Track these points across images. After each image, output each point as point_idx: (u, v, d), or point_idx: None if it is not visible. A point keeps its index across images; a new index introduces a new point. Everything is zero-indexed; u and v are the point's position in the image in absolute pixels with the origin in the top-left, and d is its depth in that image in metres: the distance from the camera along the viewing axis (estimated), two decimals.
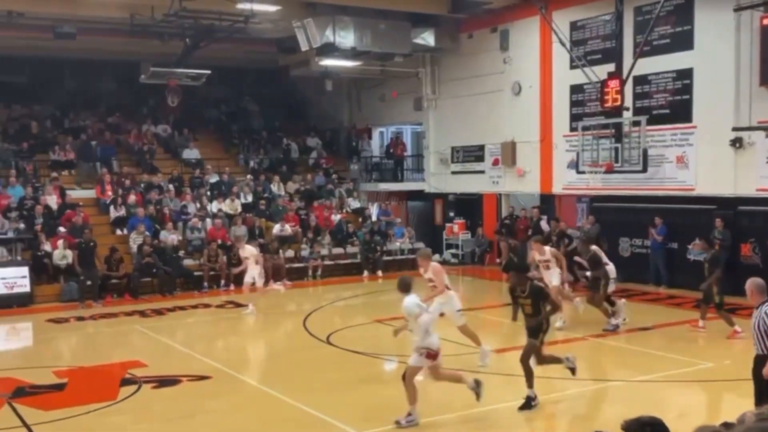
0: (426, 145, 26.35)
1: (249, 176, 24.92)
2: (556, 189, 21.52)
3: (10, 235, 19.32)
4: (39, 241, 19.30)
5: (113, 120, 26.27)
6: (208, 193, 23.41)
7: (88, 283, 18.30)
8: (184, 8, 18.91)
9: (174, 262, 19.93)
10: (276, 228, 22.34)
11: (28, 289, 18.12)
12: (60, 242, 19.05)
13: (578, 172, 19.93)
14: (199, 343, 14.30)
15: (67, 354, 14.13)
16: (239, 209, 22.86)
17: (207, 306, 17.83)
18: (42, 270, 18.78)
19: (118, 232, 21.12)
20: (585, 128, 19.31)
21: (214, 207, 22.69)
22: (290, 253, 21.84)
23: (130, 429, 9.16)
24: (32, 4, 19.45)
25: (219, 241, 20.87)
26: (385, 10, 22.06)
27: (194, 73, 22.44)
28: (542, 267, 14.14)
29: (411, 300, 8.80)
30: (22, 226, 19.74)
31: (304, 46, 21.66)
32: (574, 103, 20.79)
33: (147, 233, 20.30)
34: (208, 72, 22.67)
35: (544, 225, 21.31)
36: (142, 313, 16.83)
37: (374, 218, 24.97)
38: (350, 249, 22.93)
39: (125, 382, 11.01)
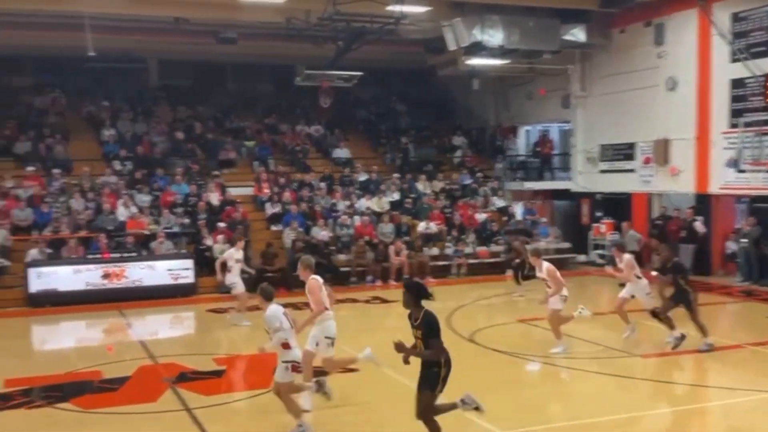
0: (573, 143, 25.84)
1: (396, 175, 25.39)
2: (713, 189, 20.51)
3: (176, 229, 20.75)
4: (201, 235, 20.57)
5: (270, 121, 27.51)
6: (357, 191, 24.08)
7: (244, 276, 19.27)
8: (337, 12, 19.54)
9: (324, 258, 20.65)
10: (421, 226, 22.69)
11: (191, 280, 19.35)
12: (220, 237, 20.22)
13: (738, 171, 18.95)
14: (347, 336, 14.65)
15: (226, 342, 14.93)
16: (386, 207, 23.38)
17: (354, 301, 18.34)
18: (204, 263, 19.96)
19: (273, 227, 22.13)
20: (747, 124, 18.34)
21: (362, 205, 23.31)
22: (435, 250, 22.10)
23: (283, 417, 9.61)
24: (197, 10, 20.66)
25: (366, 238, 21.44)
26: (534, 7, 21.84)
27: (346, 74, 23.18)
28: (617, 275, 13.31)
29: (273, 311, 8.54)
30: (186, 221, 21.14)
31: (451, 46, 21.82)
32: (734, 98, 19.72)
33: (300, 229, 21.20)
34: (360, 73, 23.31)
35: (699, 226, 20.42)
36: (295, 306, 17.48)
37: (519, 217, 24.76)
38: (494, 248, 22.89)
39: None
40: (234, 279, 15.64)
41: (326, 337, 9.66)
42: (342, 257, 21.17)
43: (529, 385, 10.10)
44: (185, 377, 11.25)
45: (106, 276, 18.57)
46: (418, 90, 30.33)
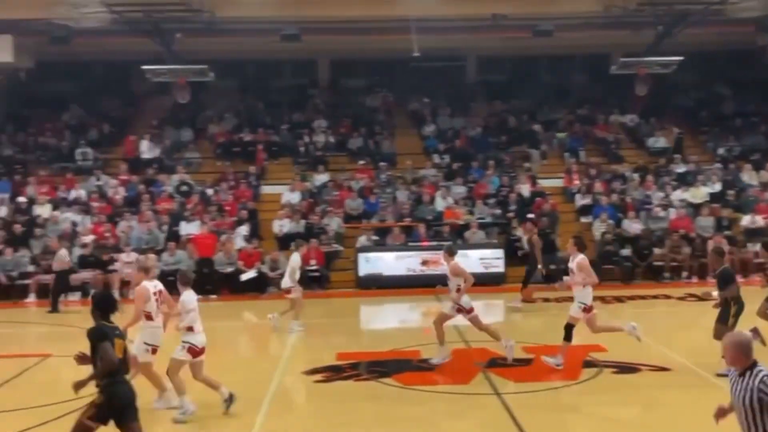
0: None
1: (717, 164, 23.84)
2: None
3: (488, 220, 21.59)
4: (512, 226, 21.18)
5: (582, 112, 27.31)
6: (673, 182, 23.05)
7: (551, 266, 19.52)
8: None
9: (636, 252, 20.16)
10: (745, 219, 21.12)
11: (501, 269, 20.04)
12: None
13: None
14: (658, 333, 14.31)
15: (534, 332, 15.29)
16: (705, 198, 22.10)
17: (667, 297, 17.71)
18: (513, 253, 20.53)
19: (583, 219, 22.06)
20: None
21: (677, 196, 22.28)
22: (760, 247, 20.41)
23: (590, 410, 9.74)
24: (515, 6, 21.29)
25: (682, 232, 20.50)
26: None
27: (665, 60, 22.34)
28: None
29: (189, 296, 9.27)
30: (497, 211, 21.90)
31: None
32: None
33: (610, 221, 20.90)
34: (680, 58, 22.28)
35: None
36: (603, 299, 17.39)
37: None
38: None
39: (587, 364, 11.65)
40: (292, 283, 14.92)
41: (145, 343, 9.63)
42: (656, 251, 20.46)
43: None
44: (496, 363, 11.72)
45: (424, 263, 19.93)
46: (745, 73, 28.00)
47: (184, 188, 23.02)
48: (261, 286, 19.52)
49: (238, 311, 18.03)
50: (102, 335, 6.53)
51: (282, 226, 21.21)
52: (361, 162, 24.58)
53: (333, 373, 11.49)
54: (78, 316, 17.25)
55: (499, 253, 20.17)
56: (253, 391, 10.52)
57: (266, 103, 28.14)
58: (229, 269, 19.70)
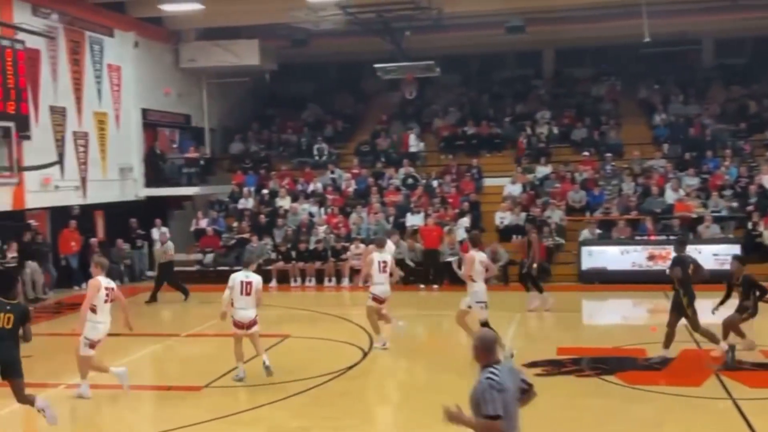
0: None
1: None
2: None
3: (724, 213, 20.30)
4: (751, 220, 19.76)
5: None
6: None
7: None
8: None
9: None
10: None
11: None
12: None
13: None
14: None
15: None
16: None
17: None
18: (753, 249, 19.11)
19: None
20: None
21: None
22: None
23: None
24: None
25: None
26: None
27: None
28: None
29: (235, 275, 10.84)
30: (735, 204, 20.52)
31: None
32: None
33: None
34: None
35: None
36: None
37: None
38: None
39: None
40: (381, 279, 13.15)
41: (85, 337, 10.01)
42: None
43: None
44: (730, 366, 11.16)
45: (651, 257, 19.17)
46: None
47: (410, 181, 23.86)
48: None
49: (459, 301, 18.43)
50: None
51: (503, 218, 21.35)
52: (585, 153, 24.05)
53: (553, 367, 11.46)
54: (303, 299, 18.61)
55: (736, 248, 18.84)
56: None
57: (490, 95, 28.35)
58: (451, 260, 20.09)
